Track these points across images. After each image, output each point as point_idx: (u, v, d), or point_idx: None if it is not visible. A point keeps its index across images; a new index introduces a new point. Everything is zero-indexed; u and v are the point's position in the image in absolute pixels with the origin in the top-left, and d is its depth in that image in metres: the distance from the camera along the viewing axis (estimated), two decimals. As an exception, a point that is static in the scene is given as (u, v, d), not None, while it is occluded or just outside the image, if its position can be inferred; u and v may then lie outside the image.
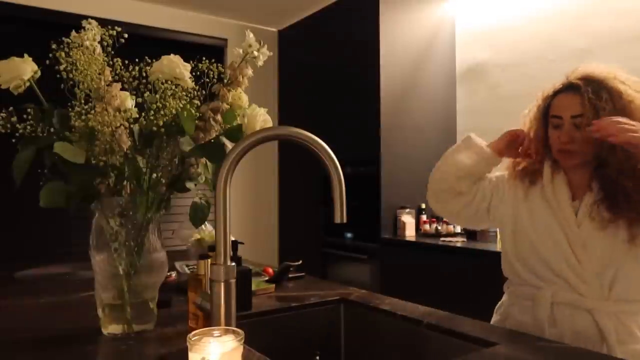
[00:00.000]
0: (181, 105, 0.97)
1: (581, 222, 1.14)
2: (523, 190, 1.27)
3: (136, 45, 1.15)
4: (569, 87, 1.19)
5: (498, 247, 2.29)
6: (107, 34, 0.98)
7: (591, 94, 1.11)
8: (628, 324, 1.10)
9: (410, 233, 2.88)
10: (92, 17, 0.99)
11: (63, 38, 0.95)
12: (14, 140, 0.93)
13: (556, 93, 1.22)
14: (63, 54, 0.94)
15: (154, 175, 1.02)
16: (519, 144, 1.28)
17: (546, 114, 1.24)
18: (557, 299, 1.14)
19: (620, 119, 1.04)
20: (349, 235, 3.16)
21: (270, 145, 3.90)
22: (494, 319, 1.30)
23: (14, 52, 1.00)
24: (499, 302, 1.32)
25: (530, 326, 1.15)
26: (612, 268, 1.10)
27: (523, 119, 1.31)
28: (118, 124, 0.94)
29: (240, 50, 1.07)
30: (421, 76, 3.12)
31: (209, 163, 1.07)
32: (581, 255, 1.12)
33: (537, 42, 2.81)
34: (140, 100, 1.00)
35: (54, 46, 0.94)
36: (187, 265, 1.52)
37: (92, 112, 0.93)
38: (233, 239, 1.24)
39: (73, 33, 0.97)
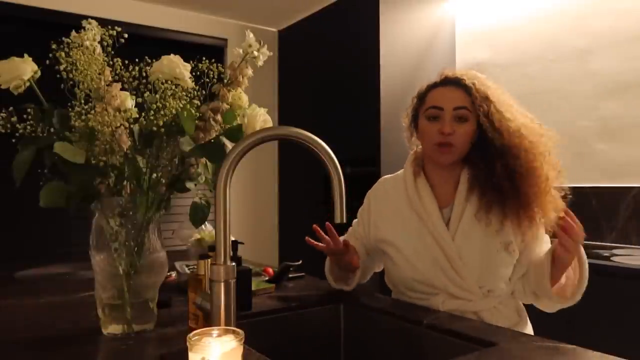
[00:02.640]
0: (181, 105, 0.97)
1: (454, 232, 1.17)
2: (389, 205, 1.27)
3: (136, 45, 1.15)
4: (448, 82, 1.17)
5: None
6: (107, 34, 0.98)
7: (478, 86, 1.12)
8: (506, 312, 1.19)
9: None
10: (92, 17, 1.00)
11: (63, 38, 0.95)
12: (14, 140, 0.93)
13: (430, 88, 1.20)
14: (63, 54, 0.94)
15: (154, 175, 1.02)
16: (334, 252, 1.30)
17: (417, 110, 1.22)
18: (446, 307, 1.18)
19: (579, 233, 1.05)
20: (349, 235, 3.15)
21: (270, 145, 3.90)
22: None
23: (14, 52, 1.00)
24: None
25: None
26: (490, 274, 1.16)
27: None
28: (118, 124, 0.94)
29: (240, 50, 1.07)
30: (421, 76, 3.11)
31: (209, 163, 1.07)
32: (459, 268, 1.15)
33: (537, 42, 2.81)
34: (140, 100, 1.00)
35: (54, 46, 0.94)
36: (187, 265, 1.52)
37: (92, 112, 0.93)
38: (233, 239, 1.24)
39: (73, 33, 0.97)
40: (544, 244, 1.20)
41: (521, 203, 1.11)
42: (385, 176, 1.39)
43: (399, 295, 1.31)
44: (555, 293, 1.14)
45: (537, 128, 1.17)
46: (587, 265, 1.12)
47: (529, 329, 1.25)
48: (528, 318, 1.27)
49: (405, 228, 1.23)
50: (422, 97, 1.22)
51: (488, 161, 1.13)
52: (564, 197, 1.16)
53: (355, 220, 1.43)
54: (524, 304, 1.28)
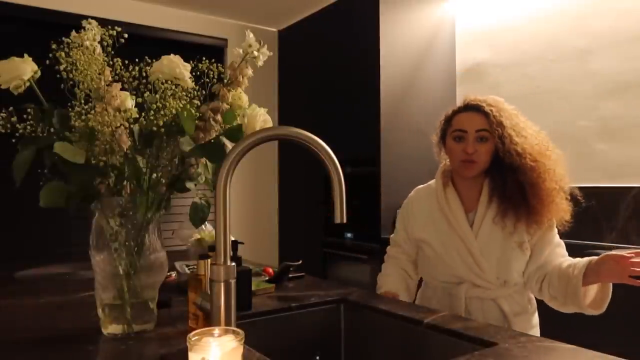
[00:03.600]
0: (181, 105, 0.97)
1: (477, 233, 1.36)
2: (424, 210, 1.48)
3: (136, 45, 1.15)
4: (471, 107, 1.37)
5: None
6: (107, 34, 0.98)
7: (496, 113, 1.31)
8: (518, 300, 1.38)
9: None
10: (92, 17, 1.00)
11: (63, 38, 0.95)
12: (14, 140, 0.93)
13: (458, 111, 1.40)
14: (63, 54, 0.94)
15: (154, 175, 1.02)
16: None
17: (445, 131, 1.43)
18: (469, 294, 1.36)
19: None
20: (349, 235, 3.16)
21: (270, 145, 3.90)
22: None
23: (14, 52, 1.00)
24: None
25: (449, 305, 1.38)
26: (506, 267, 1.34)
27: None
28: (118, 124, 0.94)
29: (240, 50, 1.07)
30: (421, 76, 3.12)
31: (209, 163, 1.07)
32: (481, 261, 1.35)
33: (537, 42, 2.81)
34: (140, 100, 1.00)
35: (54, 46, 0.94)
36: (187, 265, 1.52)
37: (92, 112, 0.93)
38: (233, 239, 1.24)
39: (73, 33, 0.97)
40: (557, 247, 1.37)
41: (529, 211, 1.30)
42: (419, 187, 1.59)
43: (430, 283, 1.49)
44: (588, 306, 1.31)
45: (544, 148, 1.33)
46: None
47: (536, 317, 1.44)
48: (536, 307, 1.45)
49: (436, 229, 1.43)
50: (448, 120, 1.42)
51: (503, 175, 1.34)
52: (576, 201, 1.36)
53: (394, 233, 1.63)
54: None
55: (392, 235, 1.65)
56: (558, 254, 1.36)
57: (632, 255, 1.18)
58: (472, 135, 1.33)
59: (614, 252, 1.23)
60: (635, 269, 1.18)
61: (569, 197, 1.33)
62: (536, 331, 1.42)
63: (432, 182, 1.53)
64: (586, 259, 1.29)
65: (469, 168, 1.35)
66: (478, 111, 1.34)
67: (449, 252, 1.38)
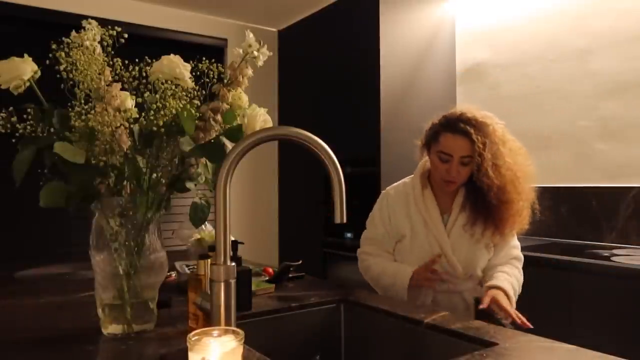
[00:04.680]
0: (181, 105, 0.97)
1: (449, 232, 1.49)
2: (402, 208, 1.56)
3: (136, 45, 1.15)
4: (459, 131, 1.41)
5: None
6: (107, 34, 0.98)
7: (480, 143, 1.38)
8: (479, 291, 1.48)
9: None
10: (92, 17, 0.99)
11: (63, 38, 0.95)
12: (14, 140, 0.93)
13: (445, 130, 1.45)
14: (63, 54, 0.94)
15: (154, 175, 1.02)
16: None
17: (430, 142, 1.50)
18: (438, 288, 1.49)
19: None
20: (349, 235, 3.16)
21: (270, 145, 3.90)
22: None
23: (14, 52, 1.00)
24: None
25: (449, 306, 1.48)
26: (472, 264, 1.49)
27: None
28: (118, 124, 0.94)
29: (240, 50, 1.07)
30: (421, 76, 3.12)
31: (209, 163, 1.07)
32: (452, 259, 1.47)
33: (537, 42, 2.81)
34: (140, 100, 1.00)
35: (54, 46, 0.94)
36: (187, 265, 1.52)
37: (92, 112, 0.93)
38: (233, 239, 1.24)
39: (73, 33, 0.97)
40: (511, 249, 1.56)
41: (495, 223, 1.45)
42: (393, 185, 1.67)
43: None
44: None
45: (516, 174, 1.43)
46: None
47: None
48: None
49: (412, 227, 1.53)
50: (436, 134, 1.48)
51: (476, 191, 1.45)
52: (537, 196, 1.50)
53: (368, 231, 1.67)
54: None
55: (365, 234, 1.67)
56: (509, 255, 1.54)
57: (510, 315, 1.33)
58: (456, 160, 1.42)
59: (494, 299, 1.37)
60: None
61: (531, 207, 1.48)
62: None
63: (406, 180, 1.65)
64: (496, 282, 1.43)
65: (449, 186, 1.47)
66: (465, 135, 1.40)
67: (423, 248, 1.50)
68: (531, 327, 1.29)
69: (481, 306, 1.35)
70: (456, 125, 1.43)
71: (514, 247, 1.57)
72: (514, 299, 1.43)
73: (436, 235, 1.49)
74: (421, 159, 1.61)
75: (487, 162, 1.38)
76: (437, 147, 1.47)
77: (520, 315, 1.34)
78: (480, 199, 1.44)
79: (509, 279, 1.46)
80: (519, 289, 1.49)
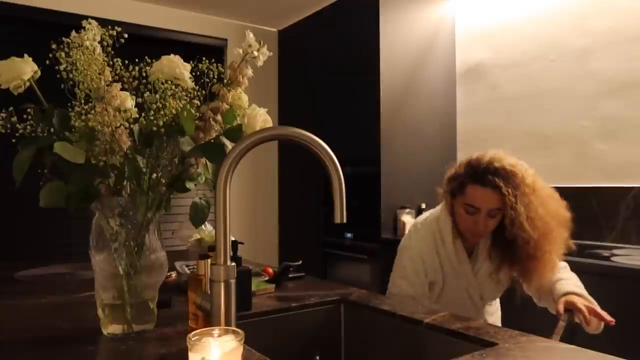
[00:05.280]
0: (181, 105, 0.97)
1: (476, 273, 1.48)
2: (433, 254, 1.49)
3: (136, 45, 1.15)
4: (487, 182, 1.33)
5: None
6: (107, 34, 0.98)
7: (512, 197, 1.30)
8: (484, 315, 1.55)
9: (410, 233, 2.88)
10: (92, 17, 0.99)
11: (63, 38, 0.95)
12: (14, 140, 0.93)
13: (472, 181, 1.37)
14: (63, 54, 0.94)
15: (154, 175, 1.02)
16: None
17: (455, 192, 1.42)
18: None
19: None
20: (349, 235, 3.16)
21: (270, 145, 3.90)
22: None
23: (14, 52, 1.00)
24: None
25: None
26: (495, 296, 1.55)
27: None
28: (118, 124, 0.94)
29: (240, 50, 1.06)
30: (421, 76, 3.12)
31: (209, 163, 1.07)
32: (478, 299, 1.50)
33: (537, 42, 2.81)
34: (140, 100, 1.00)
35: (54, 46, 0.94)
36: (187, 265, 1.52)
37: (92, 112, 0.93)
38: (233, 239, 1.24)
39: (73, 33, 0.97)
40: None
41: (521, 272, 1.41)
42: (418, 227, 1.57)
43: None
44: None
45: (550, 226, 1.35)
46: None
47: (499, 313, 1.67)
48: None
49: (445, 279, 1.50)
50: (462, 185, 1.40)
51: (504, 239, 1.37)
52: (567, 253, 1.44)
53: (401, 288, 1.54)
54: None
55: (401, 276, 1.53)
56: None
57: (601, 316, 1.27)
58: (484, 213, 1.35)
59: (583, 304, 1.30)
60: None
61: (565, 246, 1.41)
62: (498, 314, 1.64)
63: (430, 218, 1.54)
64: (565, 289, 1.37)
65: (476, 237, 1.42)
66: (494, 188, 1.32)
67: (452, 295, 1.49)
68: (613, 321, 1.25)
69: (561, 315, 1.28)
70: (484, 177, 1.34)
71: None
72: (588, 296, 1.35)
73: (466, 286, 1.48)
74: (444, 205, 1.51)
75: (522, 215, 1.30)
76: (463, 198, 1.39)
77: (601, 311, 1.28)
78: (509, 250, 1.38)
79: (570, 281, 1.40)
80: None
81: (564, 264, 1.49)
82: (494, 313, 1.63)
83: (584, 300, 1.32)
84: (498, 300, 1.66)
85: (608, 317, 1.25)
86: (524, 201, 1.32)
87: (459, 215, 1.42)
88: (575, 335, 1.29)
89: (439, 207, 1.55)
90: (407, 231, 1.65)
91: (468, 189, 1.37)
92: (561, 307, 1.29)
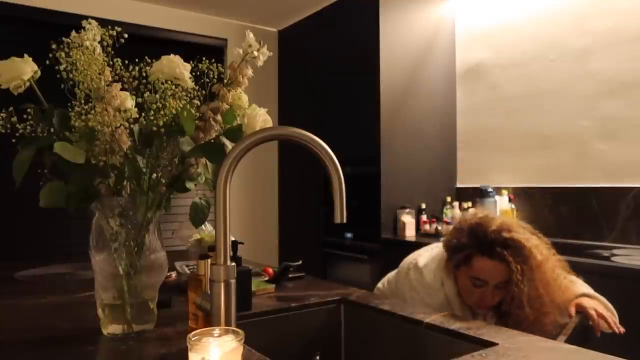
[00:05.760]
0: (181, 105, 0.97)
1: None
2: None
3: (136, 45, 1.15)
4: (495, 255, 1.26)
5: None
6: (107, 34, 0.98)
7: (519, 275, 1.24)
8: None
9: (410, 233, 2.88)
10: (92, 17, 0.99)
11: (63, 38, 0.95)
12: (14, 140, 0.93)
13: (479, 253, 1.28)
14: (63, 54, 0.94)
15: (154, 175, 1.02)
16: None
17: (459, 263, 1.33)
18: None
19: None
20: (349, 235, 3.16)
21: (270, 145, 3.90)
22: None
23: (14, 52, 1.00)
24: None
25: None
26: None
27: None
28: (118, 124, 0.94)
29: (240, 50, 1.06)
30: (421, 76, 3.12)
31: (209, 163, 1.07)
32: None
33: (537, 42, 2.81)
34: (140, 100, 1.00)
35: (54, 46, 0.94)
36: (187, 265, 1.52)
37: (92, 112, 0.93)
38: (233, 239, 1.24)
39: (73, 33, 0.97)
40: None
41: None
42: (425, 285, 1.44)
43: None
44: None
45: (545, 309, 1.27)
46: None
47: None
48: None
49: None
50: (468, 257, 1.31)
51: (508, 300, 1.29)
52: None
53: None
54: None
55: None
56: None
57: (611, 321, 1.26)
58: (492, 285, 1.29)
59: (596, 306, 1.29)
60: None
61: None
62: None
63: (431, 270, 1.43)
64: (578, 291, 1.35)
65: (482, 309, 1.35)
66: (503, 261, 1.26)
67: None
68: (622, 331, 1.25)
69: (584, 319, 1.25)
70: (492, 249, 1.27)
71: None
72: (599, 297, 1.33)
73: None
74: (445, 269, 1.40)
75: (524, 294, 1.25)
76: (469, 271, 1.31)
77: (614, 320, 1.26)
78: (502, 316, 1.33)
79: (581, 283, 1.38)
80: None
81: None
82: None
83: (596, 302, 1.31)
84: None
85: (615, 327, 1.24)
86: (529, 277, 1.26)
87: (463, 286, 1.34)
88: (589, 335, 1.27)
89: (440, 264, 1.42)
90: (407, 268, 1.50)
91: (475, 261, 1.29)
92: (573, 310, 1.28)
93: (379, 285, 1.66)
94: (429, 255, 1.49)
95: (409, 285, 1.47)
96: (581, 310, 1.29)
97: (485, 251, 1.27)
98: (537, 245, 1.30)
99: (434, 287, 1.40)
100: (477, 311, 1.37)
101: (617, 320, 1.28)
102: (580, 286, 1.40)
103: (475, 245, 1.29)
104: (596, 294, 1.36)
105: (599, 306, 1.30)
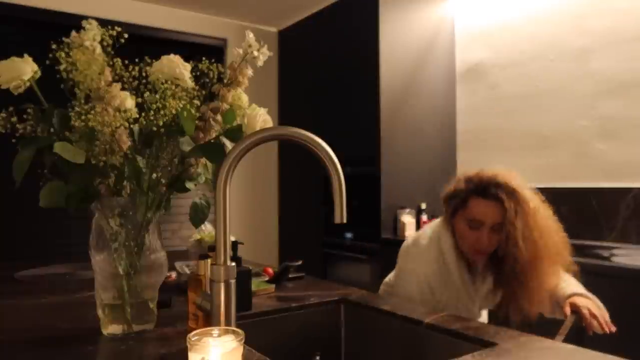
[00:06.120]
0: (181, 105, 0.97)
1: (476, 291, 1.44)
2: (440, 279, 1.43)
3: (136, 45, 1.15)
4: (490, 195, 1.31)
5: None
6: (107, 34, 0.98)
7: (513, 211, 1.28)
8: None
9: (410, 233, 2.88)
10: (92, 17, 0.99)
11: (63, 38, 0.95)
12: (14, 140, 0.93)
13: (475, 194, 1.34)
14: (63, 54, 0.94)
15: (154, 175, 1.02)
16: None
17: (457, 208, 1.38)
18: None
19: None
20: (349, 235, 3.16)
21: (270, 145, 3.90)
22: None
23: (14, 52, 1.00)
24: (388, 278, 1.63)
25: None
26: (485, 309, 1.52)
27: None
28: (118, 124, 0.94)
29: (240, 50, 1.07)
30: (421, 76, 3.12)
31: (209, 163, 1.07)
32: (477, 312, 1.47)
33: (536, 42, 2.81)
34: (140, 100, 1.00)
35: (54, 46, 0.94)
36: (187, 265, 1.52)
37: (92, 112, 0.93)
38: (233, 239, 1.24)
39: (73, 33, 0.97)
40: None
41: (515, 298, 1.36)
42: (420, 247, 1.49)
43: None
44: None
45: (540, 254, 1.31)
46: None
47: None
48: None
49: (448, 299, 1.43)
50: (464, 199, 1.36)
51: (498, 259, 1.35)
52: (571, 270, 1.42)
53: (413, 296, 1.49)
54: None
55: (408, 299, 1.48)
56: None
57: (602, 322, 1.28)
58: (488, 228, 1.32)
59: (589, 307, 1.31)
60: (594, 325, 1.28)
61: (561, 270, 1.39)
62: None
63: (432, 236, 1.47)
64: (570, 291, 1.37)
65: (479, 255, 1.37)
66: (496, 200, 1.30)
67: (452, 309, 1.41)
68: (613, 330, 1.27)
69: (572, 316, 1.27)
70: (487, 189, 1.32)
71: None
72: (591, 296, 1.34)
73: (466, 302, 1.43)
74: (444, 223, 1.46)
75: (518, 231, 1.28)
76: (465, 213, 1.36)
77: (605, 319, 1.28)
78: (499, 269, 1.36)
79: (571, 282, 1.39)
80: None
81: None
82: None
83: (589, 301, 1.32)
84: None
85: (607, 327, 1.26)
86: (523, 219, 1.29)
87: (461, 232, 1.38)
88: (583, 335, 1.28)
89: (438, 223, 1.49)
90: (407, 243, 1.55)
91: (471, 202, 1.34)
92: (568, 309, 1.29)
93: (386, 279, 1.68)
94: (423, 230, 1.57)
95: (406, 260, 1.52)
96: (575, 310, 1.30)
97: (480, 192, 1.32)
98: (536, 201, 1.34)
99: (429, 247, 1.45)
100: (473, 259, 1.40)
101: (608, 320, 1.29)
102: (570, 285, 1.41)
103: (471, 188, 1.34)
104: (588, 293, 1.37)
105: (592, 306, 1.30)
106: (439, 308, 1.43)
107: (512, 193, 1.30)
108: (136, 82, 0.99)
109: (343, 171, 0.86)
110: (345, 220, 0.85)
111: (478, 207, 1.32)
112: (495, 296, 1.45)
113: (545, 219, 1.34)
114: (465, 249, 1.39)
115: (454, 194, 1.39)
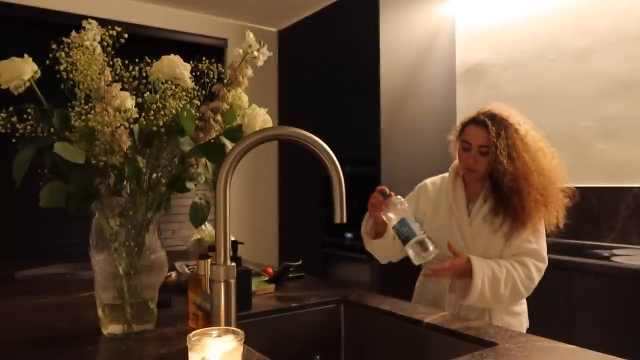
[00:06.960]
0: (181, 105, 0.97)
1: (472, 221, 1.55)
2: (436, 193, 1.66)
3: (136, 45, 1.15)
4: (478, 122, 1.54)
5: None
6: (107, 34, 0.98)
7: (494, 133, 1.48)
8: None
9: (410, 233, 2.88)
10: (92, 17, 0.99)
11: (63, 38, 0.95)
12: (14, 140, 0.93)
13: (469, 122, 1.57)
14: (63, 54, 0.94)
15: (154, 175, 1.02)
16: (377, 207, 1.51)
17: (459, 134, 1.61)
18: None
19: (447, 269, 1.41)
20: (349, 235, 3.16)
21: (270, 145, 3.90)
22: (415, 294, 1.66)
23: (14, 52, 1.00)
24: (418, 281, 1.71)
25: (436, 292, 1.56)
26: (488, 254, 1.52)
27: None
28: (118, 124, 0.94)
29: (240, 50, 1.07)
30: (421, 76, 3.12)
31: (209, 163, 1.07)
32: (471, 245, 1.53)
33: (537, 42, 2.81)
34: (140, 100, 1.00)
35: (54, 46, 0.94)
36: (187, 265, 1.52)
37: (92, 112, 0.93)
38: (233, 239, 1.24)
39: (73, 33, 0.97)
40: (524, 242, 1.51)
41: (510, 214, 1.49)
42: (429, 179, 1.76)
43: (424, 266, 1.66)
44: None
45: (529, 168, 1.47)
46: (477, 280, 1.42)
47: (522, 307, 1.60)
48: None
49: (438, 211, 1.62)
50: (462, 127, 1.60)
51: (498, 181, 1.51)
52: (570, 197, 1.53)
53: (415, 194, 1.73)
54: None
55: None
56: (521, 247, 1.50)
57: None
58: (474, 149, 1.53)
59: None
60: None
61: (562, 205, 1.51)
62: (522, 319, 1.54)
63: (443, 175, 1.74)
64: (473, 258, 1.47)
65: (470, 175, 1.57)
66: (483, 126, 1.51)
67: (445, 232, 1.56)
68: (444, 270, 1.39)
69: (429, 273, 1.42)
70: (478, 117, 1.55)
71: (528, 241, 1.52)
72: (479, 278, 1.40)
73: (458, 222, 1.56)
74: (454, 154, 1.69)
75: (501, 151, 1.47)
76: (461, 138, 1.59)
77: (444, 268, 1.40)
78: (498, 189, 1.52)
79: (494, 265, 1.44)
80: (507, 284, 1.42)
81: (538, 255, 1.51)
82: (520, 314, 1.55)
83: (455, 270, 1.42)
84: (524, 300, 1.58)
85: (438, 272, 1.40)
86: (509, 143, 1.47)
87: (458, 154, 1.60)
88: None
89: None
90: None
91: (465, 128, 1.58)
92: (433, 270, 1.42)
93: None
94: None
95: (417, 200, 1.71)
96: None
97: (473, 119, 1.56)
98: (527, 129, 1.51)
99: (435, 178, 1.72)
100: (467, 179, 1.59)
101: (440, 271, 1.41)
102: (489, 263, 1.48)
103: (470, 117, 1.58)
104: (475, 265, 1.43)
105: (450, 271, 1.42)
106: (425, 226, 1.57)
107: (497, 119, 1.50)
108: (136, 82, 0.99)
109: (343, 171, 0.86)
110: (345, 220, 0.85)
111: (469, 131, 1.55)
112: (491, 222, 1.53)
113: (535, 142, 1.52)
114: (461, 168, 1.61)
115: (460, 123, 1.63)
